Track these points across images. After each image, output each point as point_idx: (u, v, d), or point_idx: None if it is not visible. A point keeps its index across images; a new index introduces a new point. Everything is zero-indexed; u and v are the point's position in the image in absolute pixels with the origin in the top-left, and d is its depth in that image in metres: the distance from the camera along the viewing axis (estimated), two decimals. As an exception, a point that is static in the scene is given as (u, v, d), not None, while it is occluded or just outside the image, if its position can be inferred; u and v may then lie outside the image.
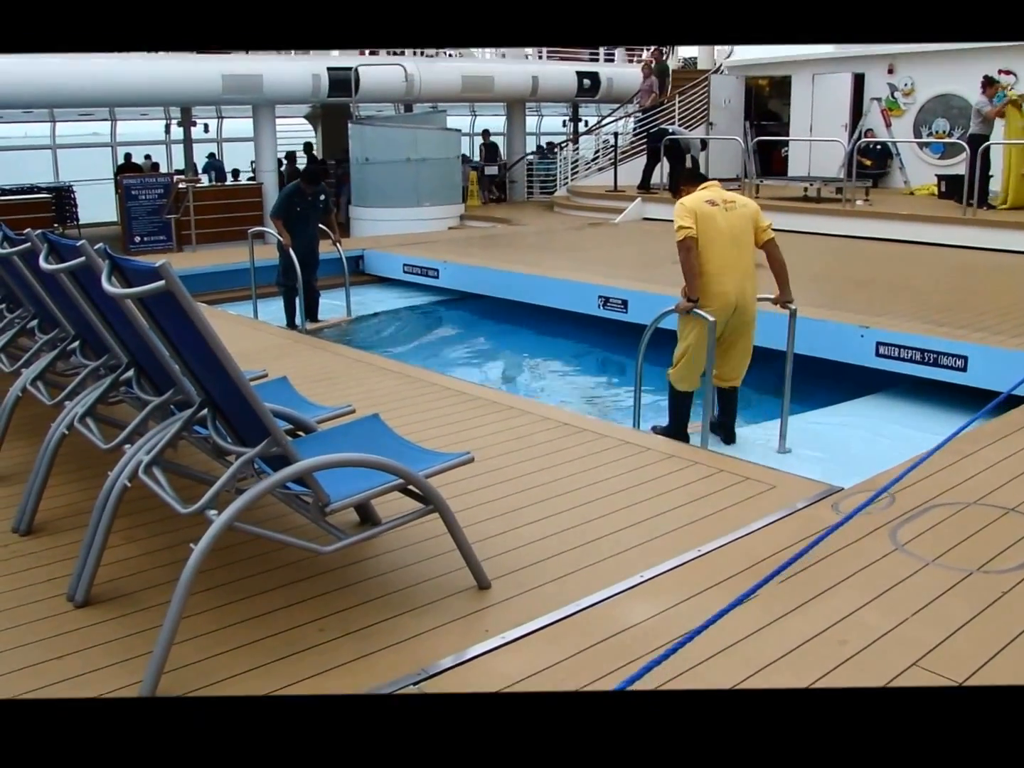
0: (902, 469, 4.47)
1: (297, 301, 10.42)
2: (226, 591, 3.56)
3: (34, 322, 5.00)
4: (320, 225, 10.76)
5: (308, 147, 22.28)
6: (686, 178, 6.76)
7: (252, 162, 20.97)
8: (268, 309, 10.91)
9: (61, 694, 2.97)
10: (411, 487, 3.44)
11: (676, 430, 6.37)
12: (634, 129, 19.63)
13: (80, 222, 21.41)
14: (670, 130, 17.07)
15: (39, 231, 3.92)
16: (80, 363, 4.39)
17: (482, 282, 11.92)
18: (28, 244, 3.97)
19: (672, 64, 21.59)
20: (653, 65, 19.03)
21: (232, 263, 12.19)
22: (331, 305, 11.41)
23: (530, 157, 22.65)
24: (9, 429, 4.67)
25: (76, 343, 4.44)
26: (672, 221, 6.15)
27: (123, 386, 4.05)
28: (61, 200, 20.69)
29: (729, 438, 6.47)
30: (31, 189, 20.44)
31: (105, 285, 2.99)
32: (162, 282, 2.75)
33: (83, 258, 3.24)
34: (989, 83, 13.45)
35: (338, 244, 11.19)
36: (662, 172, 16.90)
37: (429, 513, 3.46)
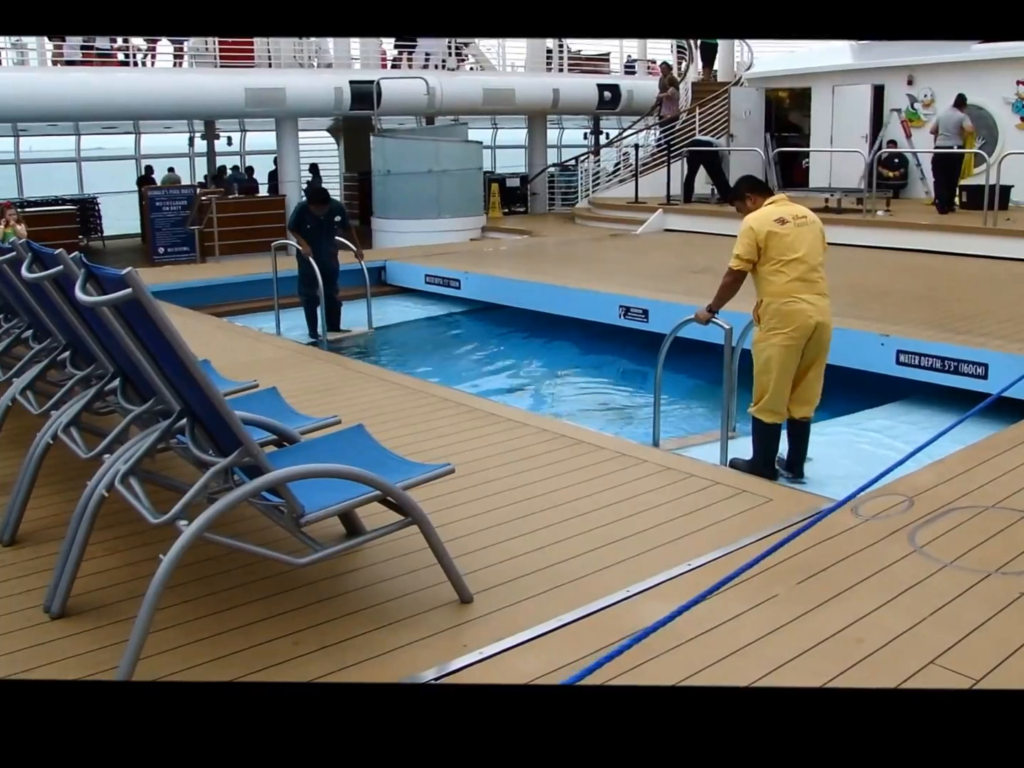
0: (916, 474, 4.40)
1: (319, 311, 10.50)
2: (202, 604, 3.53)
3: (29, 332, 5.01)
4: (342, 239, 10.88)
5: (314, 169, 22.37)
6: (751, 186, 5.90)
7: (271, 173, 21.13)
8: (291, 320, 11.03)
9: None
10: (390, 499, 3.40)
11: (765, 465, 5.74)
12: (657, 142, 19.57)
13: (104, 234, 21.69)
14: (704, 140, 17.12)
15: (23, 241, 3.92)
16: (71, 373, 4.39)
17: (503, 292, 11.96)
18: (14, 254, 3.97)
19: (692, 76, 21.54)
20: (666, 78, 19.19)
21: (255, 274, 12.30)
22: (353, 316, 11.46)
23: (551, 169, 22.62)
24: (2, 436, 4.68)
25: (67, 353, 4.43)
26: (733, 237, 5.73)
27: (111, 395, 4.04)
28: (85, 212, 20.93)
29: (798, 474, 5.86)
30: (56, 201, 20.67)
31: (78, 293, 2.97)
32: (129, 290, 2.72)
33: (61, 267, 3.23)
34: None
35: (360, 256, 11.27)
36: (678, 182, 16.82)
37: (408, 525, 3.41)
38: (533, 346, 11.07)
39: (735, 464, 5.87)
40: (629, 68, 23.63)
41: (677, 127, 18.83)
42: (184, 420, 3.40)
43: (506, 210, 20.73)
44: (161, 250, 17.15)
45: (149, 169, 22.47)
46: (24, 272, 3.58)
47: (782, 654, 3.15)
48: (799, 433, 5.84)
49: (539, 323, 11.28)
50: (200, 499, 3.15)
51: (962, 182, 14.96)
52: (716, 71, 22.40)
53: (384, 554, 3.87)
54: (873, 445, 7.00)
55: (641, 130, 21.00)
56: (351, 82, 18.03)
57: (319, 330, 10.69)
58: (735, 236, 5.63)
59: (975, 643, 3.20)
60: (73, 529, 3.46)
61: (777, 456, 5.85)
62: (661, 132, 19.47)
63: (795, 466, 5.88)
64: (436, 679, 3.06)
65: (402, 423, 5.69)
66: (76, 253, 3.43)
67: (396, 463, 3.67)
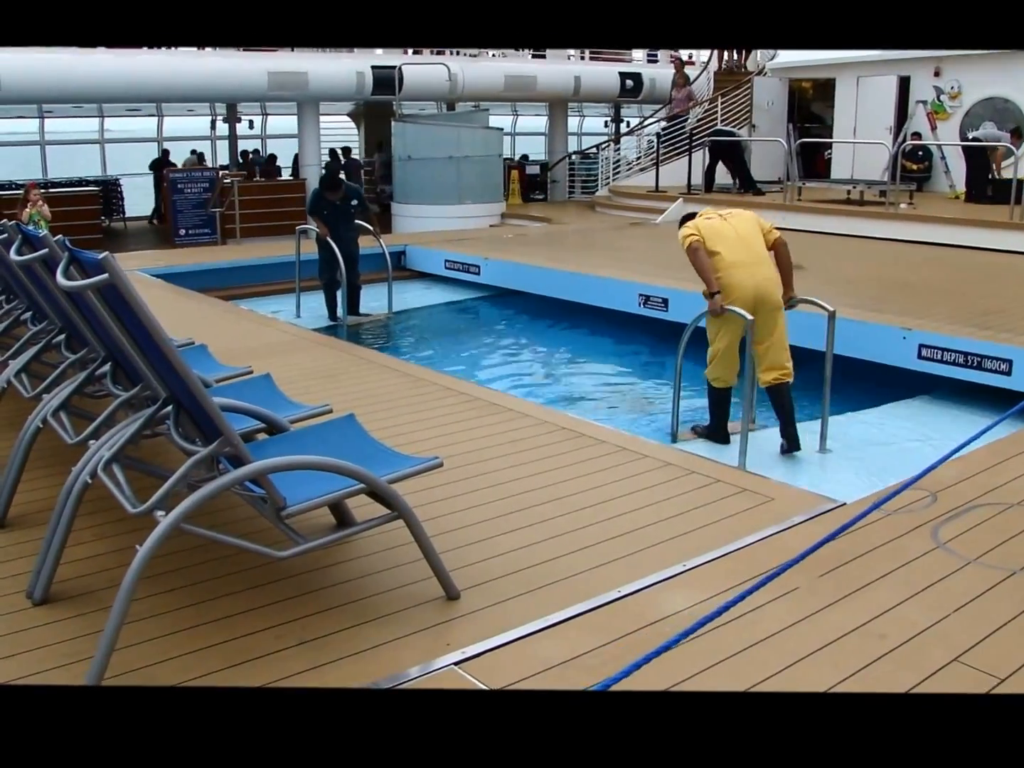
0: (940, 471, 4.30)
1: (339, 295, 10.57)
2: (183, 594, 3.48)
3: (28, 314, 4.98)
4: (362, 223, 10.97)
5: (333, 154, 22.37)
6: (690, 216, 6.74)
7: (295, 157, 21.10)
8: (312, 303, 11.08)
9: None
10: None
11: (717, 428, 6.57)
12: (659, 136, 19.37)
13: (126, 215, 21.77)
14: (727, 131, 17.02)
15: (12, 223, 3.88)
16: (66, 356, 4.35)
17: (523, 279, 11.97)
18: (6, 236, 3.93)
19: (713, 66, 21.35)
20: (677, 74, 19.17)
21: (275, 256, 12.37)
22: (373, 300, 11.47)
23: (571, 157, 22.51)
24: (-6, 422, 4.67)
25: (62, 336, 4.40)
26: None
27: (101, 380, 4.00)
28: (108, 193, 21.02)
29: (792, 444, 6.34)
30: (80, 182, 20.73)
31: (59, 277, 2.93)
32: (106, 275, 2.67)
33: (47, 250, 3.19)
34: None
35: (380, 239, 11.34)
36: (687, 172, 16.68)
37: (394, 520, 3.36)
38: (551, 334, 11.04)
39: (695, 429, 6.72)
40: (652, 56, 23.46)
41: (691, 120, 18.68)
42: (169, 407, 3.36)
43: (525, 197, 20.66)
44: (182, 232, 17.17)
45: (166, 152, 22.50)
46: (12, 254, 3.54)
47: (804, 647, 3.12)
48: (779, 398, 6.34)
49: (558, 310, 11.25)
50: (182, 488, 3.11)
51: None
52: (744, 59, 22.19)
53: (370, 548, 3.82)
54: (893, 439, 6.94)
55: (662, 119, 20.83)
56: (373, 67, 17.99)
57: (339, 313, 10.82)
58: None
59: (1000, 641, 3.16)
60: (57, 515, 3.43)
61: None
62: (665, 129, 19.31)
63: (787, 435, 6.33)
64: (417, 677, 3.01)
65: (400, 412, 5.63)
66: (61, 237, 3.39)
67: (384, 455, 3.60)
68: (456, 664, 3.06)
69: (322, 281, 10.96)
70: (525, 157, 24.18)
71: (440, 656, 3.12)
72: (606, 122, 26.77)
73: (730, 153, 16.83)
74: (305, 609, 3.39)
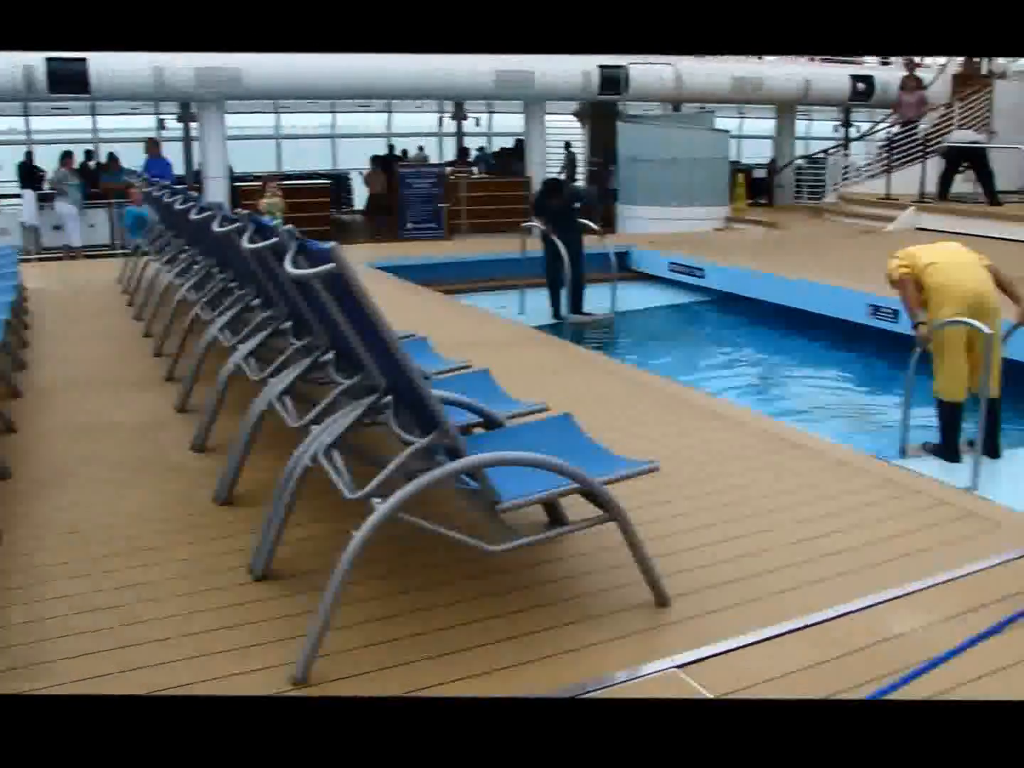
0: None
1: (563, 293, 10.69)
2: (394, 582, 3.53)
3: (257, 300, 5.19)
4: (586, 222, 11.09)
5: (568, 145, 22.49)
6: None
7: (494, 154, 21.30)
8: (535, 300, 11.24)
9: (222, 664, 3.02)
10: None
11: (946, 446, 6.43)
12: (887, 144, 18.43)
13: (354, 208, 22.63)
14: (967, 136, 16.13)
15: (247, 212, 4.04)
16: (292, 343, 4.51)
17: (748, 284, 11.80)
18: (240, 224, 4.09)
19: (952, 69, 20.22)
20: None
21: (500, 252, 12.60)
22: (597, 300, 11.53)
23: (798, 161, 21.85)
24: (225, 402, 4.88)
25: (289, 323, 4.55)
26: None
27: (325, 367, 4.10)
28: (338, 186, 21.89)
29: (994, 451, 6.32)
30: (312, 175, 21.71)
31: (287, 265, 3.01)
32: (332, 264, 2.71)
33: (277, 239, 3.29)
34: None
35: (605, 239, 11.47)
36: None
37: (606, 521, 3.28)
38: (774, 341, 10.79)
39: (926, 447, 6.51)
40: (885, 59, 22.45)
41: (924, 124, 17.75)
42: (389, 397, 3.41)
43: (750, 201, 20.20)
44: (409, 226, 17.68)
45: (392, 148, 23.24)
46: (244, 243, 3.68)
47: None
48: (989, 410, 6.16)
49: (782, 318, 10.98)
50: (398, 477, 3.14)
51: None
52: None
53: (581, 547, 3.77)
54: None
55: (894, 124, 19.91)
56: (600, 67, 18.01)
57: (562, 312, 10.98)
58: (994, 238, 6.52)
59: None
60: (278, 496, 3.54)
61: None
62: (898, 133, 18.39)
63: (984, 444, 6.10)
64: (624, 682, 2.94)
65: (616, 413, 5.56)
66: (290, 227, 3.49)
67: (600, 456, 3.54)
68: (665, 671, 2.97)
69: (547, 279, 11.09)
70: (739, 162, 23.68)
71: (648, 662, 3.03)
72: (835, 126, 25.83)
73: (977, 160, 15.84)
74: (513, 605, 3.37)
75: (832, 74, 20.62)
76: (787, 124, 22.28)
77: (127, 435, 5.32)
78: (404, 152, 23.21)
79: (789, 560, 3.72)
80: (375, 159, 21.17)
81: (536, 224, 11.17)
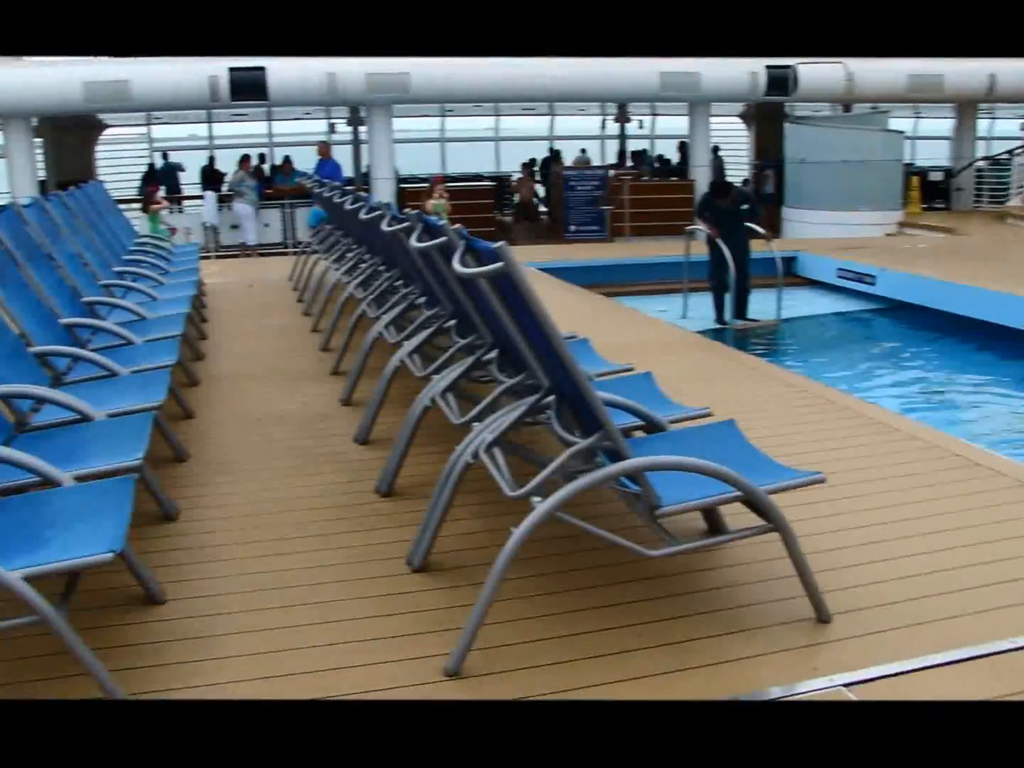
0: None
1: (727, 298, 10.57)
2: (547, 580, 3.53)
3: (423, 299, 5.29)
4: (753, 226, 10.95)
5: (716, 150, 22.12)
6: None
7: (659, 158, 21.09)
8: (698, 304, 11.14)
9: (376, 651, 3.09)
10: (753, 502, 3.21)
11: None
12: None
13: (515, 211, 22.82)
14: None
15: (415, 211, 4.11)
16: (455, 341, 4.57)
17: (921, 292, 11.38)
18: (408, 223, 4.17)
19: None
20: None
21: (663, 256, 12.52)
22: (761, 305, 11.35)
23: (979, 163, 20.89)
24: (389, 396, 4.99)
25: (453, 321, 4.62)
26: None
27: (489, 365, 4.15)
28: (500, 188, 22.13)
29: None
30: (476, 177, 22.02)
31: (455, 264, 3.05)
32: (500, 264, 2.73)
33: (444, 238, 3.34)
34: None
35: (772, 243, 11.31)
36: None
37: (768, 531, 3.20)
38: (949, 352, 10.37)
39: None
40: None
41: None
42: (551, 397, 3.41)
43: (925, 206, 19.44)
44: (572, 228, 17.74)
45: (554, 151, 23.36)
46: (412, 242, 3.75)
47: None
48: None
49: (959, 328, 10.55)
50: (558, 477, 3.14)
51: None
52: None
53: (740, 558, 3.68)
54: None
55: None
56: (767, 67, 17.70)
57: (726, 317, 10.86)
58: None
59: None
60: (439, 490, 3.59)
61: None
62: None
63: None
64: (779, 699, 2.86)
65: (779, 422, 5.43)
66: (459, 226, 3.53)
67: (764, 464, 3.46)
68: (828, 689, 2.87)
69: (711, 283, 10.96)
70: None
71: (805, 680, 2.94)
72: (1022, 124, 24.57)
73: None
74: (668, 611, 3.32)
75: (1021, 68, 19.58)
76: (968, 123, 21.33)
77: (295, 425, 5.50)
78: (557, 153, 23.30)
79: (965, 584, 3.54)
80: (525, 165, 21.40)
81: (700, 228, 11.04)
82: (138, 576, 3.42)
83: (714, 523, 3.75)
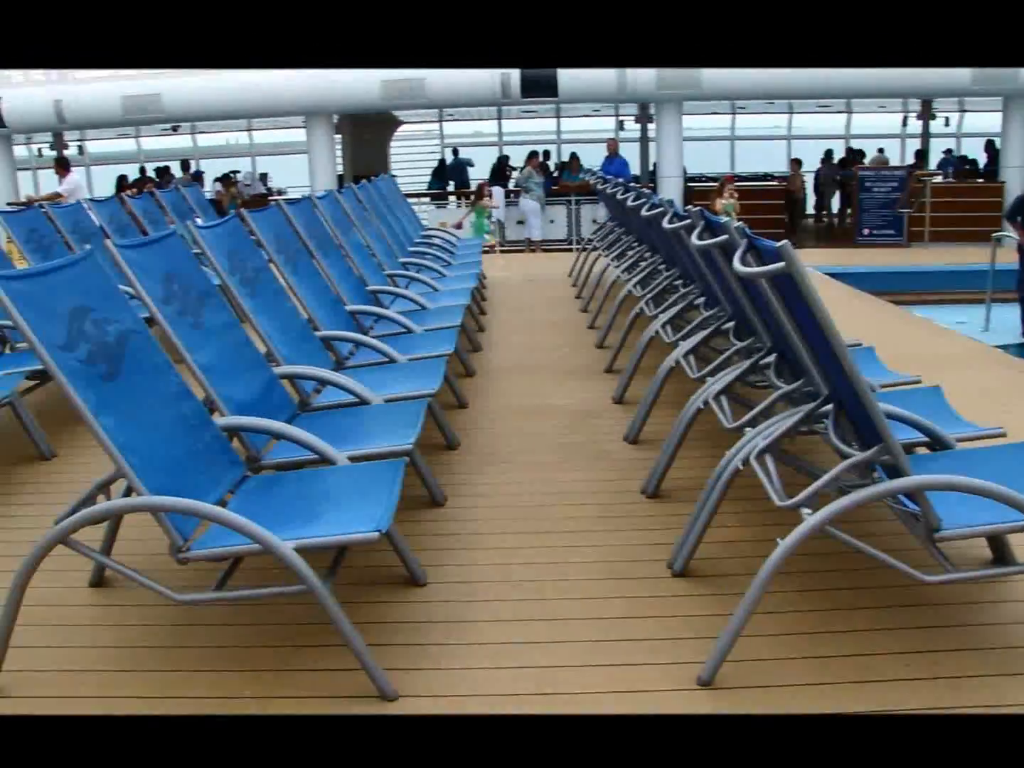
0: None
1: None
2: (811, 597, 3.39)
3: (701, 299, 5.21)
4: None
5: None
6: None
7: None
8: (1005, 317, 10.53)
9: (629, 652, 3.07)
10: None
11: None
12: None
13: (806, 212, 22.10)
14: None
15: (698, 209, 4.04)
16: (732, 343, 4.48)
17: None
18: (689, 221, 4.11)
19: None
20: None
21: (965, 264, 11.77)
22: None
23: None
24: (661, 397, 4.96)
25: (731, 323, 4.52)
26: None
27: (766, 370, 4.04)
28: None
29: None
30: (765, 177, 21.53)
31: (736, 264, 2.97)
32: (782, 264, 2.64)
33: (726, 236, 3.27)
34: None
35: None
36: None
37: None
38: None
39: None
40: None
41: None
42: (829, 406, 3.27)
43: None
44: (866, 232, 17.03)
45: (852, 152, 22.36)
46: (693, 239, 3.69)
47: None
48: None
49: None
50: (830, 490, 3.01)
51: None
52: None
53: (1026, 592, 3.40)
54: None
55: None
56: None
57: None
58: None
59: None
60: (706, 495, 3.53)
61: None
62: None
63: None
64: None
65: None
66: (741, 225, 3.45)
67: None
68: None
69: (1018, 294, 10.22)
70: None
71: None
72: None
73: None
74: (941, 643, 3.11)
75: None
76: None
77: (565, 420, 5.57)
78: (854, 152, 22.28)
79: None
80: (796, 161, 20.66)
81: (1010, 234, 10.28)
82: (402, 557, 3.55)
83: (1000, 552, 3.47)
